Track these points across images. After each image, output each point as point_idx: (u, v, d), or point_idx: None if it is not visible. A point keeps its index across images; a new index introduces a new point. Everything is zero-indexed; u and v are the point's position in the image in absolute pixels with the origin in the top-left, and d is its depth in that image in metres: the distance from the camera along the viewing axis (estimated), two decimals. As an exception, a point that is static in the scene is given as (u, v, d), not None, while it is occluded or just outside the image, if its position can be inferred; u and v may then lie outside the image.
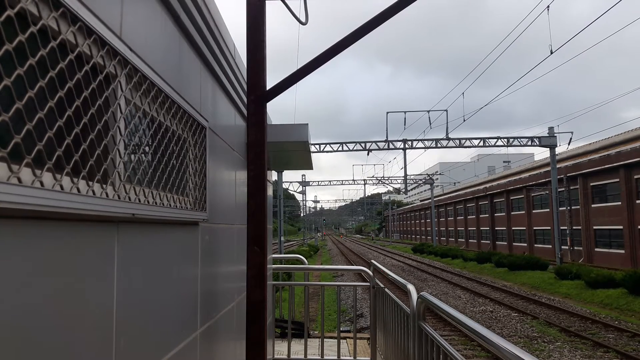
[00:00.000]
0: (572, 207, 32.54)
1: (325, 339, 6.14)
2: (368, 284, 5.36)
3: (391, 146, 28.86)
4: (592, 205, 30.71)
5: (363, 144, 29.19)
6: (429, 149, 29.05)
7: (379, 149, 29.04)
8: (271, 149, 4.84)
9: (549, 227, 34.54)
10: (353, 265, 28.13)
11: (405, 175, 35.10)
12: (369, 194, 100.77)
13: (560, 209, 30.78)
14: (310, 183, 47.91)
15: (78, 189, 1.25)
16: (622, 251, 27.52)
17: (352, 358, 5.50)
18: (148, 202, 1.80)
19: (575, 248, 32.47)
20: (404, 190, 40.63)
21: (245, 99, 3.79)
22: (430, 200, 54.22)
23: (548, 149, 27.46)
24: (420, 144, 28.78)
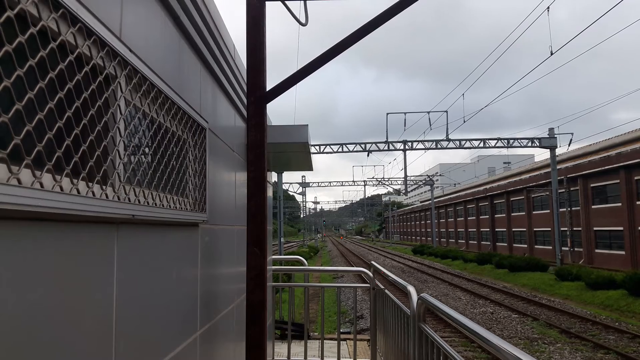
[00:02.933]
0: (573, 208, 32.52)
1: (325, 341, 6.13)
2: (368, 285, 5.35)
3: (391, 147, 28.86)
4: (593, 207, 30.70)
5: (363, 145, 29.20)
6: (424, 151, 29.07)
7: (379, 150, 29.04)
8: (271, 150, 4.84)
9: (549, 228, 34.52)
10: (353, 266, 28.13)
11: (406, 176, 35.10)
12: (369, 195, 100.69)
13: (561, 210, 30.77)
14: (310, 184, 47.89)
15: (78, 190, 1.25)
16: (623, 252, 27.50)
17: (352, 359, 5.49)
18: (148, 203, 1.80)
19: (576, 249, 32.45)
20: (404, 191, 40.62)
21: (245, 100, 3.79)
22: (430, 202, 54.21)
23: (548, 150, 27.47)
24: (420, 145, 28.79)
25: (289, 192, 51.70)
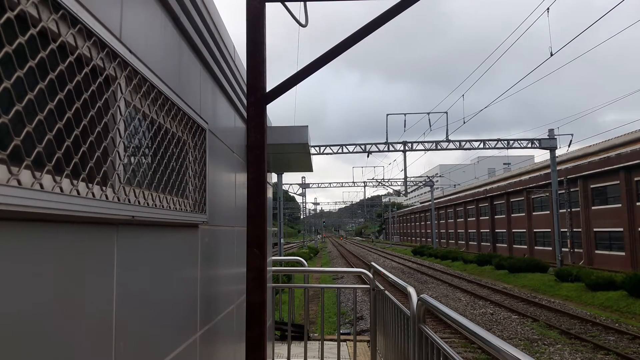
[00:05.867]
0: (572, 209, 32.51)
1: (325, 342, 6.12)
2: (368, 286, 5.35)
3: (391, 148, 28.86)
4: (592, 208, 30.70)
5: (363, 146, 29.20)
6: (424, 152, 29.07)
7: (379, 151, 29.05)
8: (271, 151, 4.84)
9: (549, 229, 34.51)
10: (353, 267, 28.11)
11: (405, 177, 35.10)
12: (369, 196, 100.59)
13: (561, 211, 30.76)
14: (310, 185, 47.89)
15: (78, 191, 1.25)
16: (623, 253, 27.49)
17: (352, 360, 5.49)
18: (148, 204, 1.80)
19: (576, 250, 32.44)
20: (404, 192, 40.61)
21: (245, 101, 3.79)
22: (430, 203, 54.20)
23: (548, 151, 27.47)
24: (420, 146, 28.79)
25: (289, 193, 51.70)
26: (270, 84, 2.90)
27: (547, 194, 33.25)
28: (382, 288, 5.08)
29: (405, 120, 28.36)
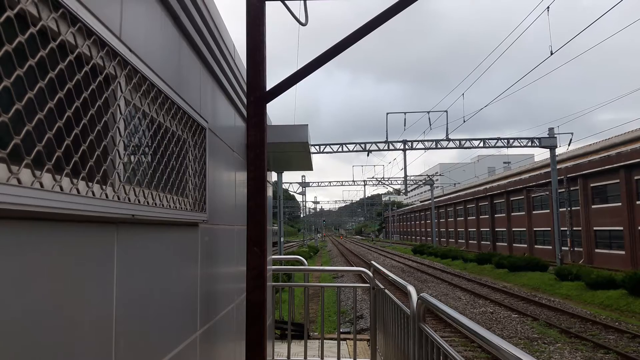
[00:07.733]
0: (573, 208, 32.52)
1: (325, 341, 6.13)
2: (368, 285, 5.35)
3: (391, 147, 28.85)
4: (593, 206, 30.70)
5: (363, 145, 29.20)
6: (424, 151, 29.06)
7: (379, 150, 29.04)
8: (271, 150, 4.84)
9: (549, 228, 34.51)
10: (353, 266, 28.13)
11: (405, 176, 35.09)
12: (369, 195, 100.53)
13: (561, 209, 30.77)
14: (310, 184, 47.88)
15: (78, 190, 1.25)
16: (623, 252, 27.50)
17: (352, 359, 5.49)
18: (148, 203, 1.80)
19: (576, 249, 32.45)
20: (404, 191, 40.62)
21: (245, 100, 3.79)
22: (430, 201, 54.21)
23: (548, 150, 27.47)
24: (420, 145, 28.78)
25: (289, 192, 51.74)
26: (268, 84, 2.90)
27: (547, 193, 33.25)
28: (382, 287, 5.08)
29: (405, 119, 28.37)
